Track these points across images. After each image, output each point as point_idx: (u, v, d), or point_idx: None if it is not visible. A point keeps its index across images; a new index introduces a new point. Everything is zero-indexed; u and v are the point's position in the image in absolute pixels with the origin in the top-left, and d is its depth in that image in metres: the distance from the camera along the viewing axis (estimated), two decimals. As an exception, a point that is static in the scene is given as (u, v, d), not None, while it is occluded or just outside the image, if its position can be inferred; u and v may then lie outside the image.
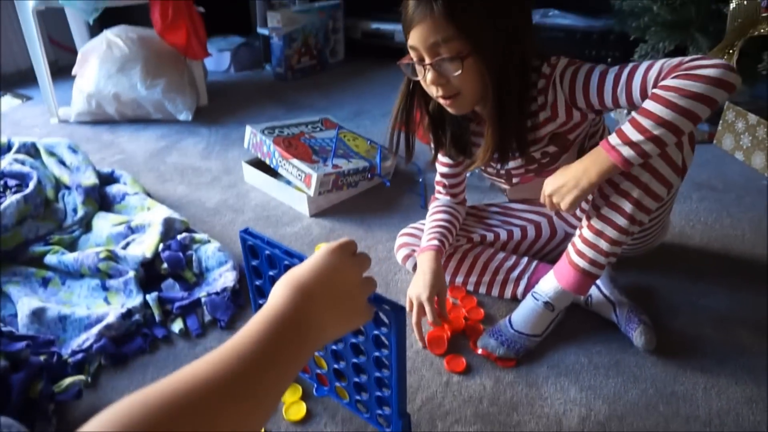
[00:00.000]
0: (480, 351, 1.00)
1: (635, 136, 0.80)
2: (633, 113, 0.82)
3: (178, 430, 0.36)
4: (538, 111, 0.95)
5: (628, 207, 0.89)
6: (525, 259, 1.13)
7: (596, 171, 0.85)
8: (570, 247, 0.97)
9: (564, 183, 0.88)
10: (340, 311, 0.55)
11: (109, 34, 2.00)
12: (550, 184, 0.91)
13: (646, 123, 0.79)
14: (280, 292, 0.52)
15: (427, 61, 0.88)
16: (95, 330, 1.01)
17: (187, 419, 0.37)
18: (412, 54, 0.90)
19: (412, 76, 0.95)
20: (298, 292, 0.51)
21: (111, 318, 1.03)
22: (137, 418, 0.35)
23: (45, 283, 1.18)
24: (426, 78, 0.90)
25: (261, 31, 2.53)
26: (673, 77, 0.79)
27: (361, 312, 0.59)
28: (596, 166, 0.85)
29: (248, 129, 1.54)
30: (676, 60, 0.82)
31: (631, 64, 0.87)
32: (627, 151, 0.81)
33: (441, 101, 0.93)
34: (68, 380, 0.90)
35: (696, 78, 0.77)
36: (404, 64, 0.93)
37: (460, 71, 0.86)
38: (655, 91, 0.80)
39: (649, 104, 0.80)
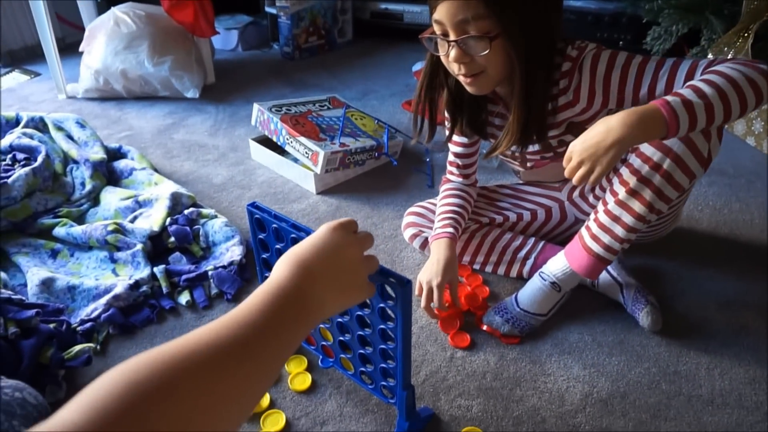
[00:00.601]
0: (485, 327, 1.01)
1: (693, 97, 0.75)
2: (691, 82, 0.78)
3: (182, 389, 0.37)
4: (558, 95, 0.92)
5: (648, 195, 0.87)
6: (532, 239, 1.13)
7: (636, 118, 0.74)
8: (584, 231, 0.96)
9: (597, 139, 0.76)
10: (341, 288, 0.56)
11: (117, 11, 1.99)
12: (580, 143, 0.79)
13: (706, 89, 0.75)
14: (282, 268, 0.53)
15: (452, 37, 0.85)
16: (104, 300, 1.02)
17: (190, 379, 0.38)
18: (436, 28, 0.87)
19: (433, 51, 0.91)
20: (299, 269, 0.52)
21: (119, 289, 1.04)
22: (143, 376, 0.36)
23: (54, 254, 1.19)
24: (449, 54, 0.87)
25: (269, 10, 2.51)
26: (733, 62, 0.78)
27: (362, 289, 0.60)
28: (636, 114, 0.75)
29: (256, 106, 1.54)
30: (726, 57, 0.81)
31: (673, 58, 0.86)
32: (680, 108, 0.74)
33: (461, 79, 0.91)
34: (77, 347, 0.91)
35: (753, 68, 0.77)
36: (426, 37, 0.89)
37: (487, 51, 0.83)
38: (716, 67, 0.78)
39: (709, 75, 0.77)
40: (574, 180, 0.81)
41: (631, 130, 0.75)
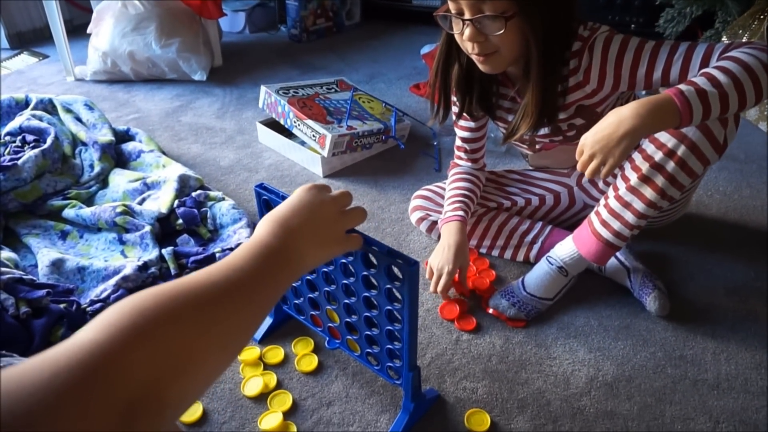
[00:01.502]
0: (491, 311, 1.01)
1: (707, 86, 0.73)
2: (705, 69, 0.77)
3: (185, 317, 0.41)
4: (568, 75, 0.91)
5: (660, 181, 0.86)
6: (539, 224, 1.13)
7: (649, 109, 0.73)
8: (593, 216, 0.95)
9: (609, 131, 0.75)
10: (319, 242, 0.60)
11: (124, -8, 1.98)
12: (591, 135, 0.78)
13: (721, 77, 0.74)
14: (264, 227, 0.57)
15: (467, 16, 0.84)
16: (113, 281, 1.03)
17: (190, 308, 0.42)
18: (451, 6, 0.86)
19: (448, 30, 0.90)
20: (279, 226, 0.57)
21: (128, 270, 1.05)
22: (149, 304, 0.40)
23: (64, 236, 1.20)
24: (463, 33, 0.86)
25: (276, -9, 2.49)
26: (749, 46, 0.77)
27: (339, 242, 0.64)
28: (649, 104, 0.74)
29: (263, 89, 1.53)
30: (743, 41, 0.79)
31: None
32: (693, 98, 0.73)
33: (475, 58, 0.90)
34: (88, 327, 0.93)
35: None
36: (441, 15, 0.89)
37: (502, 31, 0.82)
38: (731, 53, 0.77)
39: (724, 62, 0.75)
40: (587, 174, 0.80)
41: (643, 120, 0.74)
